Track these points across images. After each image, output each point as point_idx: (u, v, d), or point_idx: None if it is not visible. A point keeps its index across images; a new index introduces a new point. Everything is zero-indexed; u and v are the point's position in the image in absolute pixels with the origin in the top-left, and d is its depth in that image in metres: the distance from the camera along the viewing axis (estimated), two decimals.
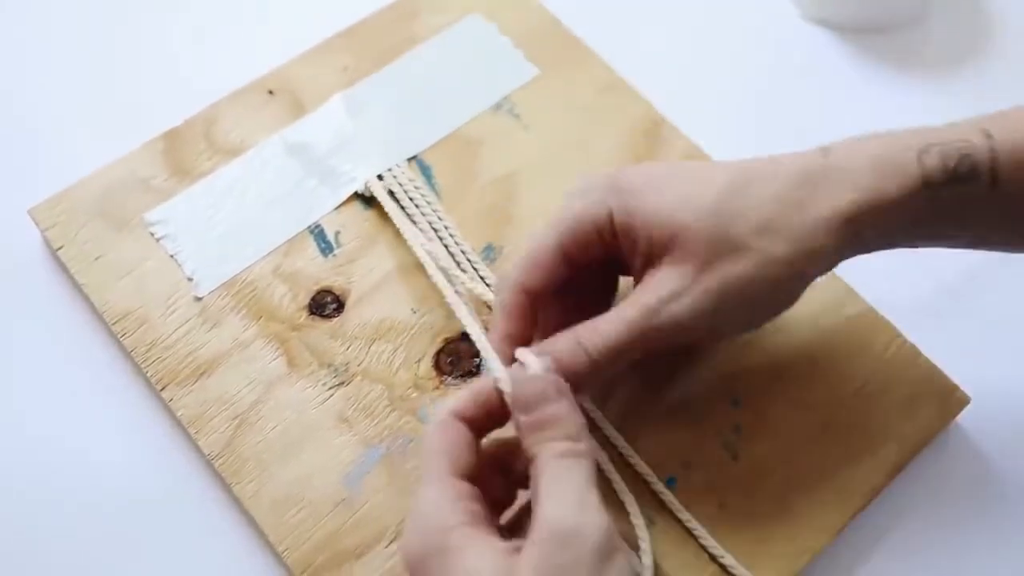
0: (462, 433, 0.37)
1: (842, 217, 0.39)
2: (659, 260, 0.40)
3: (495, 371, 0.39)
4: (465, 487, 0.36)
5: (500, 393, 0.38)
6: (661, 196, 0.41)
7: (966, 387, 0.48)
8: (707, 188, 0.40)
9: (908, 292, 0.52)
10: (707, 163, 0.42)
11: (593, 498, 0.34)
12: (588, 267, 0.43)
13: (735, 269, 0.39)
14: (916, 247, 0.42)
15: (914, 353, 0.49)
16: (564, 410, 0.36)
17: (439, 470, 0.36)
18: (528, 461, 0.36)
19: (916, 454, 0.47)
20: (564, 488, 0.34)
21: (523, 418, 0.37)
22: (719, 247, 0.39)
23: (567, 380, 0.38)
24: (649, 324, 0.39)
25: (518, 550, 0.34)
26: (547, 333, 0.41)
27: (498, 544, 0.34)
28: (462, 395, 0.38)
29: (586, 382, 0.40)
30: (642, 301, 0.40)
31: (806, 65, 0.60)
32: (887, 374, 0.48)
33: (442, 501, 0.35)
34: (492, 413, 0.38)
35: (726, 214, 0.39)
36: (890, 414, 0.48)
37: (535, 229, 0.43)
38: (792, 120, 0.58)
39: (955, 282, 0.53)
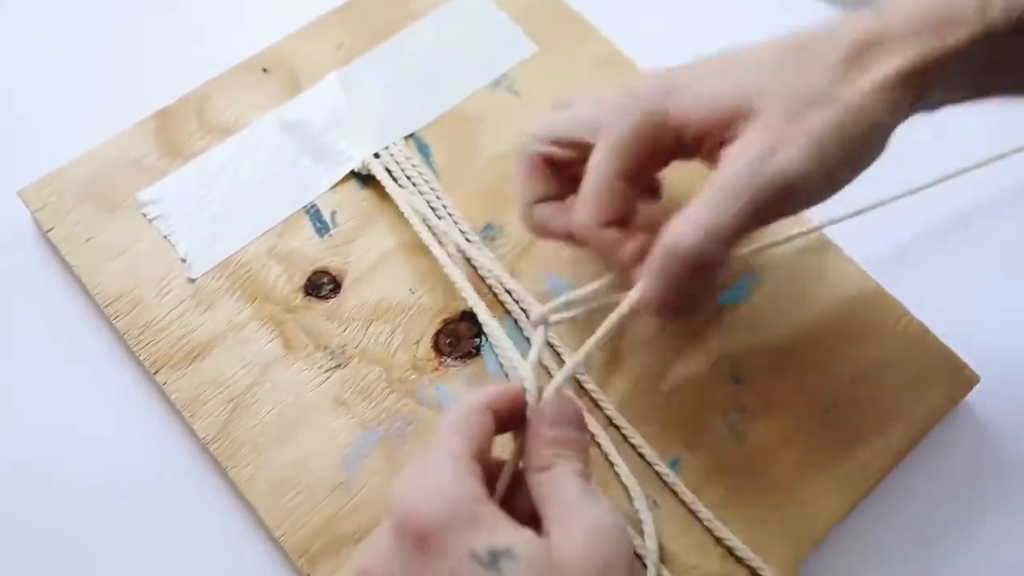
0: (488, 423, 0.36)
1: (907, 72, 0.37)
2: (736, 134, 0.37)
3: (527, 383, 0.38)
4: (481, 473, 0.35)
5: (523, 402, 0.38)
6: (721, 77, 0.38)
7: (975, 365, 0.47)
8: (765, 58, 0.38)
9: (916, 269, 0.51)
10: (751, 45, 0.39)
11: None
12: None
13: (825, 114, 0.36)
14: (979, 99, 0.40)
15: (922, 331, 0.48)
16: (586, 441, 0.37)
17: (461, 448, 0.34)
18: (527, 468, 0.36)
19: (924, 435, 0.46)
20: (593, 495, 0.34)
21: (550, 432, 0.36)
22: (800, 99, 0.37)
23: (688, 266, 0.36)
24: (757, 185, 0.36)
25: None
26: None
27: (525, 529, 0.33)
28: (493, 389, 0.37)
29: (703, 276, 0.37)
30: (740, 165, 0.36)
31: None
32: (895, 352, 0.47)
33: (464, 475, 0.34)
34: (514, 416, 0.37)
35: (793, 73, 0.37)
36: (898, 394, 0.47)
37: (592, 159, 0.40)
38: None
39: (964, 258, 0.52)
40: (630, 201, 0.40)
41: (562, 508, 0.34)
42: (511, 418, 0.37)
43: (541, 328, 0.41)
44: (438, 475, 0.33)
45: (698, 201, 0.36)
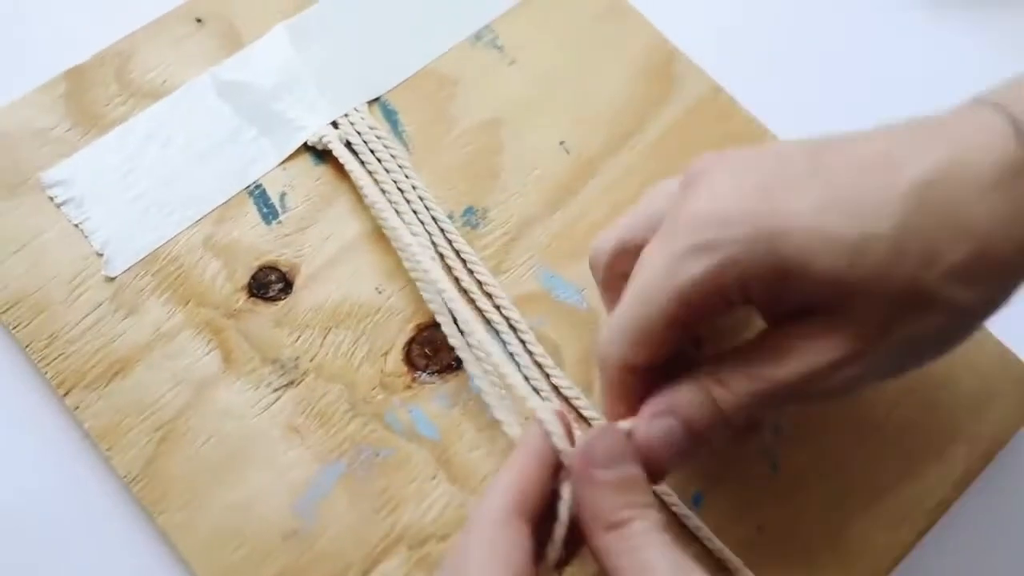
0: (540, 474, 0.30)
1: None
2: (814, 315, 0.30)
3: (550, 425, 0.31)
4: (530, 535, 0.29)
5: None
6: (827, 243, 0.29)
7: None
8: (886, 213, 0.28)
9: None
10: (872, 155, 0.29)
11: None
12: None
13: (922, 327, 0.29)
14: None
15: (984, 336, 0.41)
16: (647, 482, 0.30)
17: (510, 509, 0.29)
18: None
19: (990, 459, 0.39)
20: (688, 563, 0.28)
21: (608, 476, 0.29)
22: (904, 304, 0.29)
23: (690, 440, 0.31)
24: (809, 389, 0.30)
25: None
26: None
27: None
28: (513, 473, 0.30)
29: (706, 445, 0.32)
30: (803, 365, 0.30)
31: None
32: (952, 362, 0.40)
33: (519, 546, 0.28)
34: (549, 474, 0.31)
35: (915, 256, 0.28)
36: (957, 411, 0.40)
37: (639, 281, 0.31)
38: (822, 52, 0.49)
39: None
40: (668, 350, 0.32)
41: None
42: (547, 480, 0.30)
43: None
44: (492, 550, 0.28)
45: (746, 375, 0.31)
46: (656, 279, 0.30)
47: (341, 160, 0.41)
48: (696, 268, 0.29)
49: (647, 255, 0.31)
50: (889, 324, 0.29)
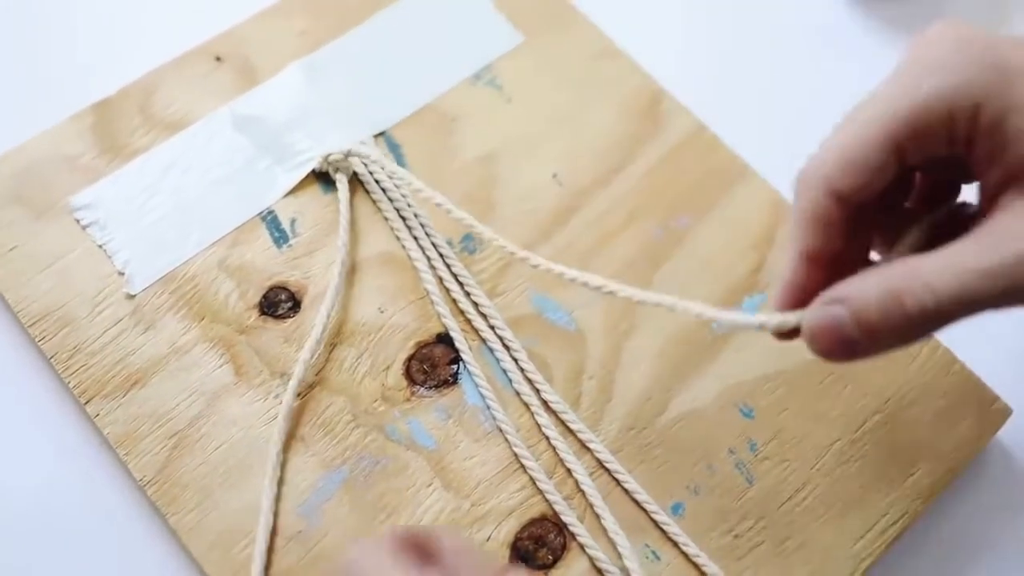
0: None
1: None
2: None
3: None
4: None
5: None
6: None
7: (1007, 397, 0.43)
8: None
9: None
10: None
11: None
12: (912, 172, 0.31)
13: None
14: None
15: (949, 359, 0.43)
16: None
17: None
18: None
19: (954, 475, 0.41)
20: None
21: None
22: None
23: (862, 342, 0.29)
24: (1017, 284, 0.27)
25: None
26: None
27: None
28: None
29: (883, 349, 0.30)
30: (1012, 249, 0.27)
31: (816, 33, 0.54)
32: (919, 383, 0.43)
33: None
34: None
35: None
36: (923, 429, 0.42)
37: (860, 106, 0.30)
38: (802, 92, 0.52)
39: None
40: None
41: None
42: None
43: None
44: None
45: (941, 268, 0.28)
46: (884, 99, 0.29)
47: (348, 189, 0.44)
48: (930, 83, 0.29)
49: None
50: None
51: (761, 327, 0.32)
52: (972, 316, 0.28)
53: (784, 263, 0.32)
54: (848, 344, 0.29)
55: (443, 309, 0.42)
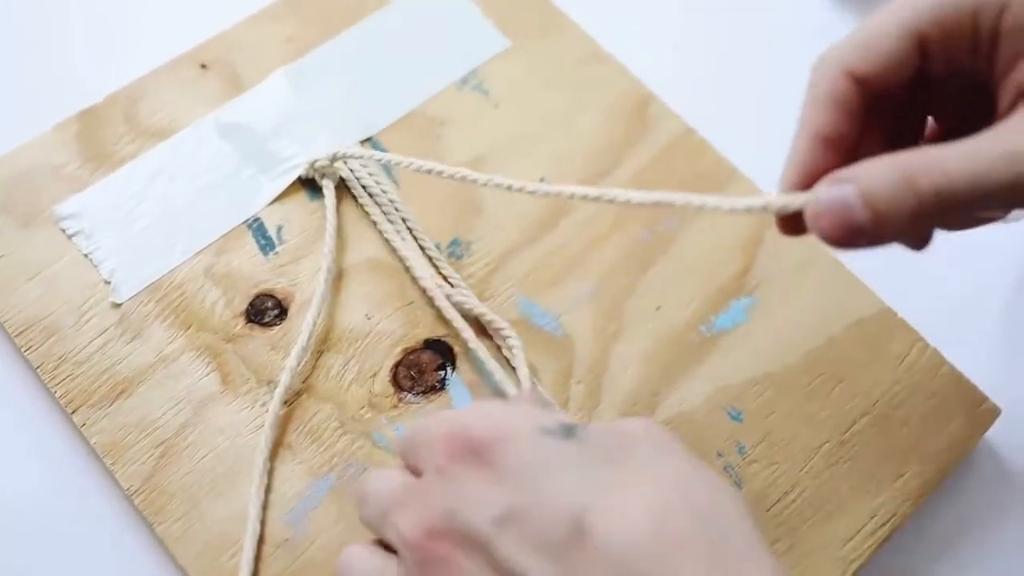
0: None
1: None
2: None
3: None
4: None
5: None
6: None
7: (996, 397, 0.43)
8: None
9: (929, 289, 0.46)
10: None
11: None
12: (932, 74, 0.31)
13: None
14: None
15: (937, 360, 0.43)
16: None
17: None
18: None
19: (944, 476, 0.41)
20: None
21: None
22: None
23: (869, 227, 0.28)
24: None
25: None
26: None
27: None
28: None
29: (888, 237, 0.29)
30: None
31: (804, 35, 0.54)
32: (907, 384, 0.43)
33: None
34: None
35: None
36: (911, 430, 0.42)
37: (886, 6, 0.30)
38: (790, 95, 0.52)
39: (981, 279, 0.47)
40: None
41: None
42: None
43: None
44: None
45: (956, 154, 0.27)
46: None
47: (335, 196, 0.44)
48: None
49: None
50: None
51: (765, 208, 0.31)
52: (982, 209, 0.28)
53: (791, 146, 0.31)
54: (854, 227, 0.28)
55: (444, 303, 0.42)
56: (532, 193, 0.36)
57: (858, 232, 0.28)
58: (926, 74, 0.30)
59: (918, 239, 0.32)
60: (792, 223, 0.31)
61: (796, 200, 0.30)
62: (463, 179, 0.39)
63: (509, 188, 0.37)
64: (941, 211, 0.27)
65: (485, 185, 0.38)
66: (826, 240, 0.29)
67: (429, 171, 0.40)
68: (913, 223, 0.28)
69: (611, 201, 0.34)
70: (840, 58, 0.30)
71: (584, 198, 0.35)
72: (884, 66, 0.29)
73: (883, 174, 0.28)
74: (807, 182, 0.31)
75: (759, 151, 0.46)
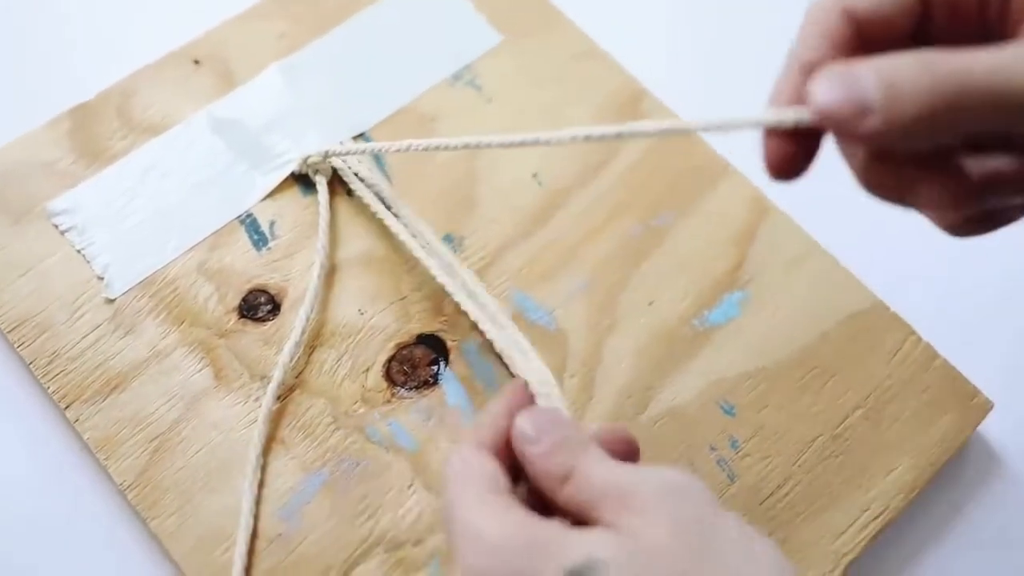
0: (491, 465, 0.30)
1: None
2: None
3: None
4: (509, 487, 0.30)
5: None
6: None
7: (988, 391, 0.43)
8: None
9: (921, 284, 0.46)
10: None
11: None
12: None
13: None
14: None
15: (930, 354, 0.43)
16: (566, 427, 0.31)
17: (479, 485, 0.29)
18: None
19: (936, 470, 0.41)
20: (633, 467, 0.29)
21: (538, 449, 0.30)
22: None
23: (883, 104, 0.25)
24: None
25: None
26: None
27: (592, 529, 0.28)
28: (484, 426, 0.31)
29: (895, 134, 0.26)
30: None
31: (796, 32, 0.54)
32: (900, 378, 0.43)
33: (499, 510, 0.28)
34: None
35: None
36: (904, 424, 0.42)
37: None
38: None
39: (974, 273, 0.47)
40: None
41: (615, 500, 0.28)
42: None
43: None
44: (476, 525, 0.28)
45: (979, 52, 0.25)
46: None
47: (328, 191, 0.44)
48: None
49: None
50: None
51: (758, 125, 0.29)
52: (999, 117, 0.25)
53: (777, 77, 0.30)
54: (865, 103, 0.25)
55: (449, 281, 0.41)
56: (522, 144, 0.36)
57: (867, 109, 0.25)
58: (927, 27, 0.29)
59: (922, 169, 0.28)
60: (784, 156, 0.29)
61: (790, 113, 0.28)
62: (459, 148, 0.39)
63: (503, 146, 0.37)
64: (958, 103, 0.25)
65: (477, 147, 0.38)
66: (830, 120, 0.26)
67: (425, 148, 0.39)
68: (929, 114, 0.25)
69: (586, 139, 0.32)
70: None
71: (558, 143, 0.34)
72: (884, 9, 0.28)
73: (900, 57, 0.26)
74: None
75: (751, 145, 0.46)
